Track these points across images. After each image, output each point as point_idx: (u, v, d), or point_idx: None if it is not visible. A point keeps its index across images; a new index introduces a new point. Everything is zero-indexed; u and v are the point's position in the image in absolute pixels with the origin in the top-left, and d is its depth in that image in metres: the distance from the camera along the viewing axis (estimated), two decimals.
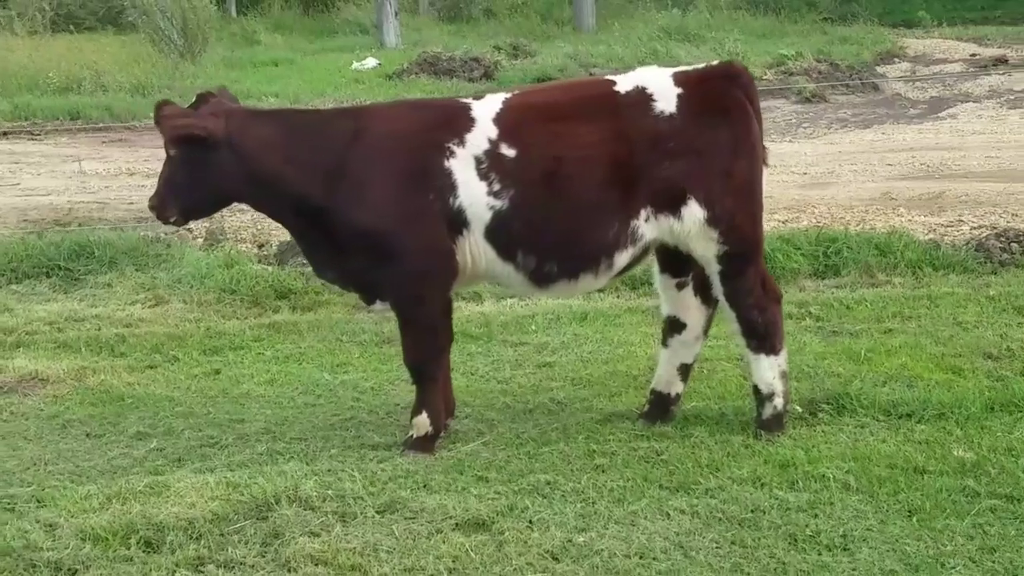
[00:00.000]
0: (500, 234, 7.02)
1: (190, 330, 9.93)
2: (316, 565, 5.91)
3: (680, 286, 7.49)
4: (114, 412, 8.23)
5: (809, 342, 8.82)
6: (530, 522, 6.27)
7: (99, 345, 9.64)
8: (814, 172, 14.68)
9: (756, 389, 7.40)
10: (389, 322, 9.83)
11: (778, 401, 7.36)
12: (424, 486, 6.72)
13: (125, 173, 17.23)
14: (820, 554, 5.90)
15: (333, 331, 9.80)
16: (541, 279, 7.15)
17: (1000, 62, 25.22)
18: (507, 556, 5.95)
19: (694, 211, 7.03)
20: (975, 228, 11.64)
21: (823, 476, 6.68)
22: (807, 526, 6.15)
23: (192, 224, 12.35)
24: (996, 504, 6.29)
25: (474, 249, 7.09)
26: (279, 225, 10.76)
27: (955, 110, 20.64)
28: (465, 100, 7.29)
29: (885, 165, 15.55)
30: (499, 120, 7.06)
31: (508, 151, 6.98)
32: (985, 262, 10.47)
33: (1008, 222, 11.53)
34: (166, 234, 12.62)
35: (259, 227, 12.88)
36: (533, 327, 9.69)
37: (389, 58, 27.58)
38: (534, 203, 6.98)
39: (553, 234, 7.01)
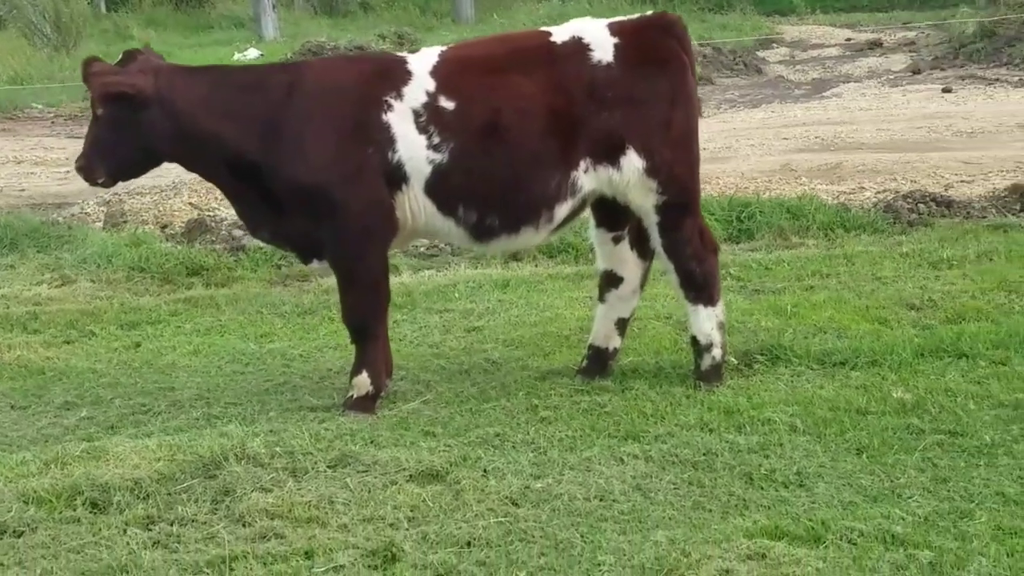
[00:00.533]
0: (440, 188, 6.95)
1: (103, 307, 9.73)
2: (272, 519, 5.80)
3: (616, 240, 7.49)
4: (36, 385, 8.08)
5: (734, 300, 8.85)
6: (484, 471, 6.24)
7: (9, 323, 9.41)
8: (712, 147, 14.80)
9: (694, 340, 7.42)
10: (308, 293, 9.76)
11: (716, 352, 7.39)
12: (371, 442, 6.66)
13: (12, 161, 16.87)
14: (777, 490, 5.94)
15: (252, 304, 9.66)
16: (482, 233, 7.10)
17: (875, 45, 25.68)
18: (466, 503, 5.90)
19: (633, 161, 7.02)
20: (879, 193, 11.82)
21: (769, 420, 6.73)
22: (760, 465, 6.19)
23: (91, 206, 12.16)
24: (941, 439, 6.39)
25: (414, 204, 7.02)
26: (181, 206, 10.69)
27: (838, 90, 20.95)
28: (400, 54, 7.22)
29: (781, 139, 15.73)
30: (436, 73, 7.00)
31: (447, 104, 6.92)
32: (894, 222, 10.64)
33: (908, 187, 11.71)
34: (63, 218, 12.35)
35: (160, 208, 12.64)
36: (456, 294, 9.64)
37: (271, 50, 27.29)
38: (474, 156, 6.92)
39: (494, 187, 6.96)
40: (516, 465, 6.30)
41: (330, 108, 6.92)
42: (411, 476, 6.19)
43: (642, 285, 7.66)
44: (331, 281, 9.75)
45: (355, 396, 7.22)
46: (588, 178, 7.05)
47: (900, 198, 10.97)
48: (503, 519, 5.72)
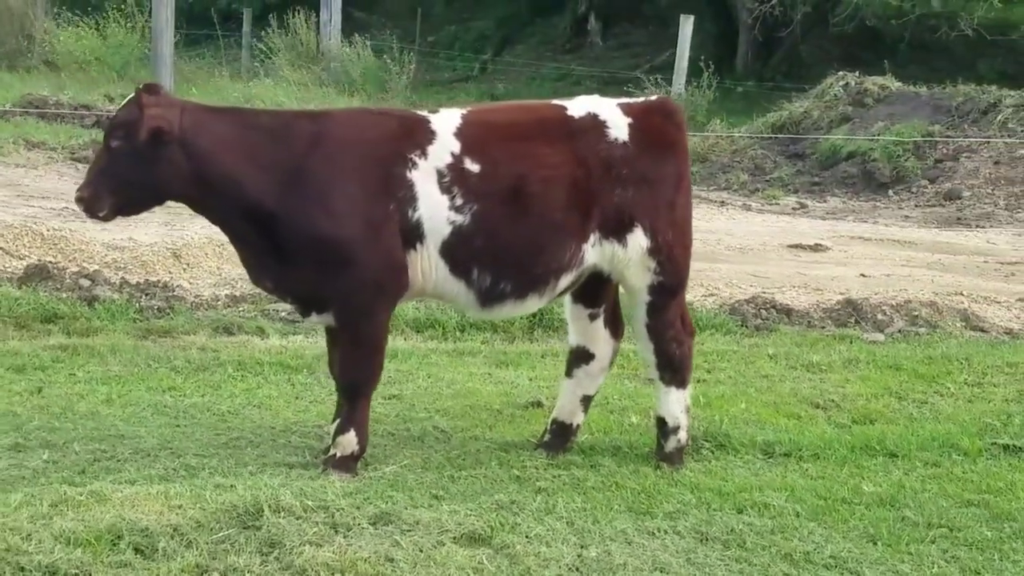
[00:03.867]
0: (457, 250, 6.92)
1: None
2: (334, 574, 5.60)
3: (592, 317, 7.60)
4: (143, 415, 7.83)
5: (639, 388, 9.04)
6: (527, 536, 6.21)
7: None
8: None
9: (662, 421, 7.58)
10: (188, 350, 9.40)
11: (682, 435, 7.57)
12: (406, 502, 6.49)
13: None
14: (820, 572, 6.12)
15: (137, 356, 9.24)
16: (492, 298, 7.09)
17: None
18: (530, 569, 5.86)
19: (639, 239, 7.18)
20: (706, 296, 12.26)
21: (767, 504, 6.92)
22: (792, 547, 6.36)
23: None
24: (944, 532, 6.70)
25: (426, 264, 6.96)
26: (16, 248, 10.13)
27: None
28: (422, 113, 7.16)
29: None
30: (460, 135, 6.99)
31: (472, 166, 6.92)
32: (742, 325, 11.09)
33: (743, 294, 12.22)
34: None
35: None
36: None
37: None
38: (497, 220, 6.93)
39: (514, 253, 6.98)
40: (555, 533, 6.29)
41: (355, 160, 6.80)
42: (456, 538, 6.10)
43: (611, 364, 7.76)
44: (201, 339, 9.49)
45: (339, 455, 7.05)
46: (594, 252, 7.16)
47: (744, 303, 11.45)
48: None
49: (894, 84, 23.86)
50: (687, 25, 28.78)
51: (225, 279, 11.50)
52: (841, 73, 24.70)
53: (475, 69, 45.28)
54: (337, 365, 7.06)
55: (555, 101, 7.51)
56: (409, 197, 6.83)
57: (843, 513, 6.88)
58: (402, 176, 6.83)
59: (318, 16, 33.94)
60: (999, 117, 21.69)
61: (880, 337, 10.92)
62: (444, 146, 6.93)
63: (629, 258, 7.21)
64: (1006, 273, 14.95)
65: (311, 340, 10.01)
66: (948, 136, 21.70)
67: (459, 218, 6.88)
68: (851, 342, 10.76)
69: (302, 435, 7.73)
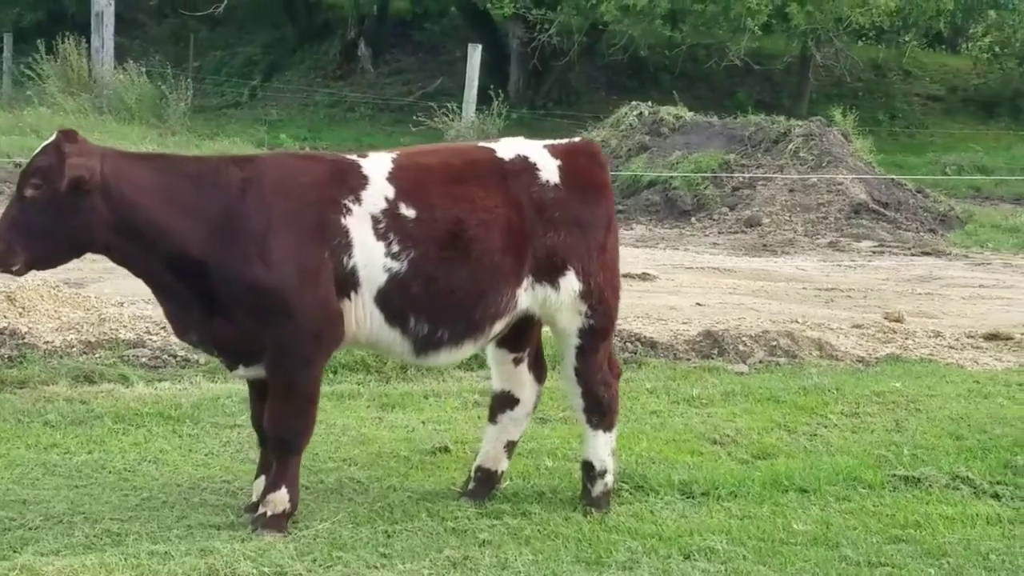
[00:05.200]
0: (393, 298, 6.68)
1: None
2: None
3: (517, 361, 7.42)
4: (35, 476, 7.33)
5: (549, 431, 8.87)
6: None
7: None
8: None
9: (589, 466, 7.42)
10: (55, 401, 8.88)
11: (609, 478, 7.44)
12: (364, 561, 6.24)
13: None
14: None
15: (4, 409, 8.72)
16: (428, 346, 6.85)
17: None
18: None
19: (571, 283, 7.04)
20: None
21: (712, 548, 6.83)
22: None
23: None
24: (888, 571, 6.71)
25: (360, 313, 6.70)
26: None
27: None
28: (351, 157, 6.89)
29: None
30: (394, 179, 6.74)
31: (407, 211, 6.68)
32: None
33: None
34: None
35: None
36: (228, 409, 9.02)
37: None
38: (435, 266, 6.70)
39: (452, 299, 6.77)
40: None
41: (288, 206, 6.49)
42: None
43: (534, 408, 7.59)
44: (63, 389, 9.01)
45: (269, 513, 6.73)
46: (527, 296, 7.00)
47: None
48: None
49: (687, 114, 24.28)
50: (475, 54, 28.82)
51: (66, 323, 10.88)
52: (634, 103, 25.02)
53: (244, 95, 44.59)
54: (268, 419, 6.70)
55: (481, 143, 7.31)
56: (344, 244, 6.56)
57: (786, 555, 6.82)
58: (336, 222, 6.55)
59: (88, 41, 32.90)
60: (790, 146, 22.25)
61: (744, 368, 10.99)
62: (378, 191, 6.69)
63: (561, 301, 7.06)
64: (826, 299, 15.28)
65: (180, 387, 9.61)
66: (744, 164, 22.16)
67: (396, 265, 6.64)
68: (719, 373, 10.78)
69: (213, 492, 7.37)
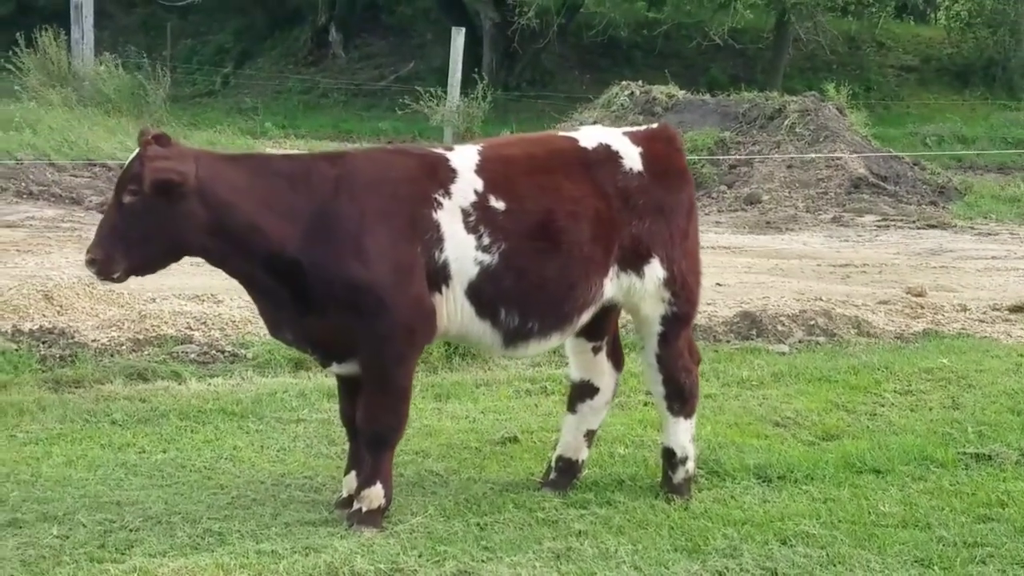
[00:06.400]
0: (484, 291, 6.68)
1: None
2: None
3: (596, 350, 7.43)
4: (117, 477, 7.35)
5: (617, 418, 8.86)
6: None
7: None
8: None
9: (670, 453, 7.43)
10: (115, 400, 8.85)
11: (690, 465, 7.46)
12: (474, 554, 6.26)
13: None
14: None
15: (69, 410, 8.64)
16: (517, 338, 6.86)
17: None
18: None
19: (656, 271, 7.05)
20: None
21: (808, 533, 6.85)
22: None
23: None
24: (988, 552, 6.70)
25: (451, 306, 6.70)
26: None
27: None
28: (438, 150, 6.87)
29: None
30: (482, 171, 6.73)
31: (497, 203, 6.67)
32: None
33: None
34: None
35: None
36: (290, 404, 9.01)
37: None
38: (526, 258, 6.70)
39: (543, 291, 6.77)
40: None
41: (381, 203, 6.48)
42: None
43: (614, 396, 7.60)
44: (118, 387, 8.97)
45: (365, 509, 6.73)
46: (612, 286, 7.01)
47: None
48: None
49: (679, 92, 24.31)
50: (459, 37, 28.73)
51: (106, 321, 10.82)
52: (625, 83, 25.03)
53: (217, 83, 44.40)
54: (362, 415, 6.68)
55: (561, 133, 7.30)
56: (435, 238, 6.55)
57: (882, 538, 6.84)
58: (428, 217, 6.53)
59: (67, 33, 32.58)
60: (787, 122, 22.32)
61: (784, 348, 11.04)
62: (467, 184, 6.67)
63: (645, 289, 7.07)
64: (842, 276, 15.37)
65: (233, 382, 9.60)
66: (740, 142, 22.23)
67: (487, 258, 6.63)
68: (761, 354, 10.82)
69: (298, 488, 7.37)
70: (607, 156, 7.02)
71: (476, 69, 29.17)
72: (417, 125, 33.46)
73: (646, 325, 7.23)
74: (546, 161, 6.91)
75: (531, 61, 41.34)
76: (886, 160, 22.08)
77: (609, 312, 7.28)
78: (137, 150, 6.30)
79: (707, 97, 24.19)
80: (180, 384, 9.47)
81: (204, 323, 10.88)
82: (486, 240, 6.63)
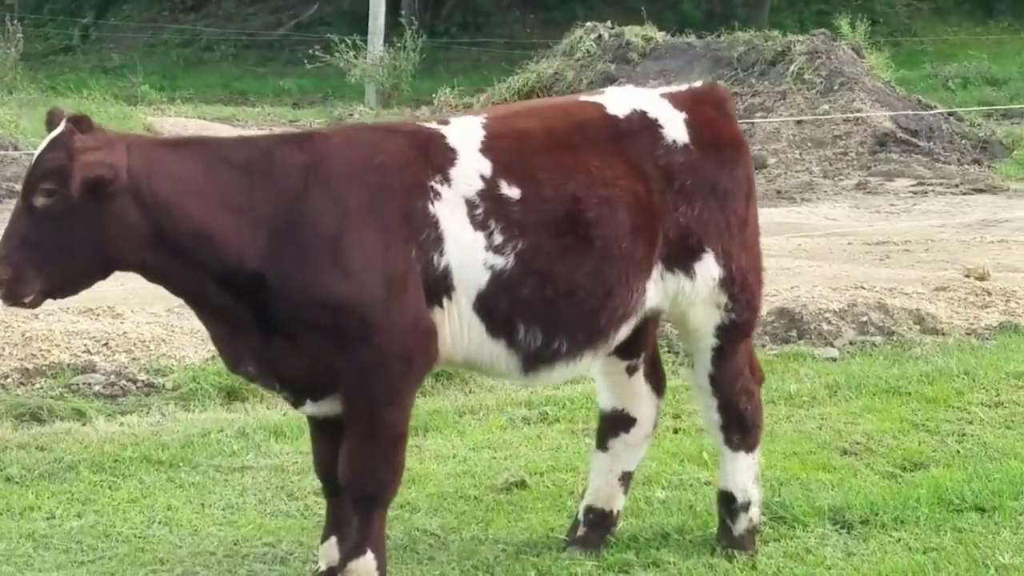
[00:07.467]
0: (497, 303, 6.33)
1: None
2: None
3: (631, 370, 7.15)
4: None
5: (655, 451, 8.57)
6: None
7: None
8: None
9: (729, 497, 7.17)
10: (6, 449, 8.50)
11: (754, 512, 7.20)
12: None
13: None
14: None
15: None
16: (540, 361, 6.53)
17: None
18: None
19: (709, 269, 6.77)
20: None
21: None
22: None
23: None
24: None
25: (455, 325, 6.36)
26: None
27: None
28: (430, 125, 6.53)
29: None
30: (488, 150, 6.38)
31: (510, 191, 6.31)
32: (666, 349, 10.75)
33: None
34: None
35: None
36: (230, 448, 8.68)
37: None
38: (549, 260, 6.37)
39: (572, 300, 6.44)
40: None
41: (364, 196, 6.12)
42: None
43: (654, 428, 7.31)
44: (6, 431, 8.68)
45: None
46: (656, 290, 6.72)
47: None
48: None
49: (659, 35, 24.10)
50: None
51: None
52: (591, 24, 24.81)
53: (75, 38, 43.94)
54: (345, 468, 6.34)
55: (583, 97, 6.96)
56: (433, 239, 6.20)
57: None
58: (423, 211, 6.17)
59: None
60: (792, 68, 22.15)
61: (834, 352, 10.87)
62: (471, 167, 6.34)
63: (697, 293, 6.78)
64: (880, 256, 15.27)
65: (151, 420, 9.40)
66: (737, 93, 22.02)
67: (499, 261, 6.29)
68: (807, 361, 10.63)
69: (258, 560, 7.11)
70: (644, 125, 6.70)
71: (399, 12, 28.77)
72: (329, 82, 33.24)
73: (697, 338, 6.94)
74: (567, 135, 6.57)
75: (460, 2, 41.16)
76: (914, 109, 21.93)
77: (647, 322, 6.96)
78: (48, 139, 5.87)
79: (693, 39, 23.99)
80: (85, 425, 9.19)
81: (106, 345, 10.54)
82: (497, 238, 6.29)
